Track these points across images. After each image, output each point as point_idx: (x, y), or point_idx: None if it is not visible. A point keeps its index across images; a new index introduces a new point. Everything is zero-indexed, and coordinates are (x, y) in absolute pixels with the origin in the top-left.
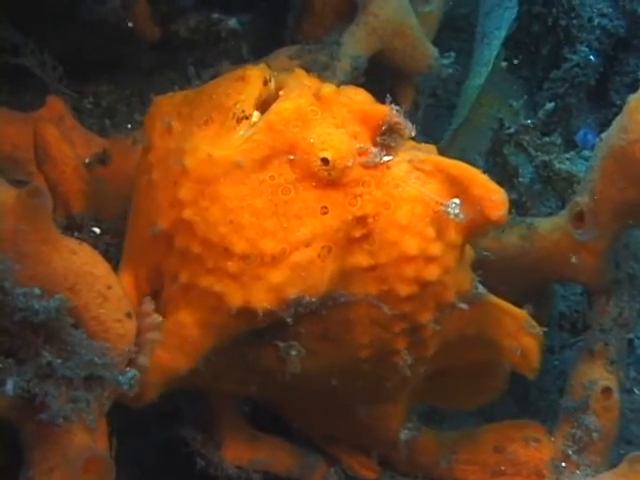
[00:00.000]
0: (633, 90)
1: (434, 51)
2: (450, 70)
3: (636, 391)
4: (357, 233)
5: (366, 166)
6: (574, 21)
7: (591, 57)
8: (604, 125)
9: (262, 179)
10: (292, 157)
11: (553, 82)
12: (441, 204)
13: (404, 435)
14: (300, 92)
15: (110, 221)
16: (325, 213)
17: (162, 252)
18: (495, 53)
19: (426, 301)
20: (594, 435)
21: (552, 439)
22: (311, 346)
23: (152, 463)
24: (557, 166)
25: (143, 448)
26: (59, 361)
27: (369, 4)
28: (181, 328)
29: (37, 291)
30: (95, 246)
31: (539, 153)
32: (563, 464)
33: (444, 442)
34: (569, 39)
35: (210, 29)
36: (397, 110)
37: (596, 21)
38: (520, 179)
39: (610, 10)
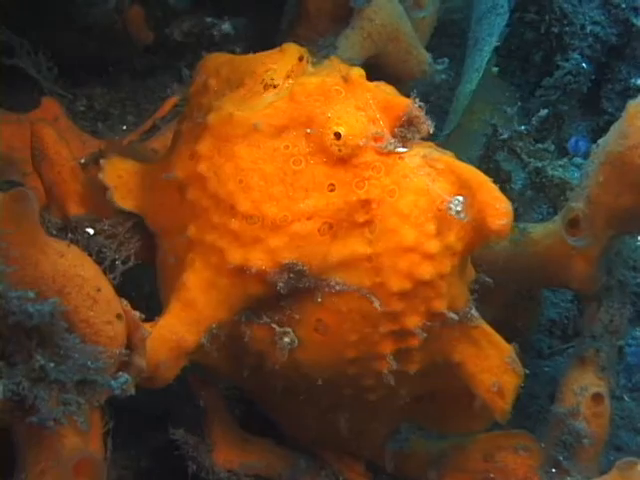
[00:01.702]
0: (624, 98)
1: (428, 57)
2: (443, 76)
3: (626, 398)
4: (360, 218)
5: (379, 152)
6: (567, 28)
7: (583, 64)
8: (596, 132)
9: (277, 146)
10: (309, 130)
11: (545, 89)
12: (445, 200)
13: (391, 445)
14: (329, 71)
15: (105, 222)
16: (332, 190)
17: (176, 203)
18: (487, 59)
19: (416, 303)
20: (584, 441)
21: (542, 447)
22: (303, 336)
23: (145, 466)
24: (550, 173)
25: (136, 451)
26: (52, 365)
27: (364, 8)
28: (186, 292)
29: (31, 294)
30: (88, 247)
31: (532, 159)
32: (553, 470)
33: (433, 451)
34: (561, 46)
35: (204, 33)
36: (419, 106)
37: (588, 29)
38: (512, 185)
39: (602, 18)
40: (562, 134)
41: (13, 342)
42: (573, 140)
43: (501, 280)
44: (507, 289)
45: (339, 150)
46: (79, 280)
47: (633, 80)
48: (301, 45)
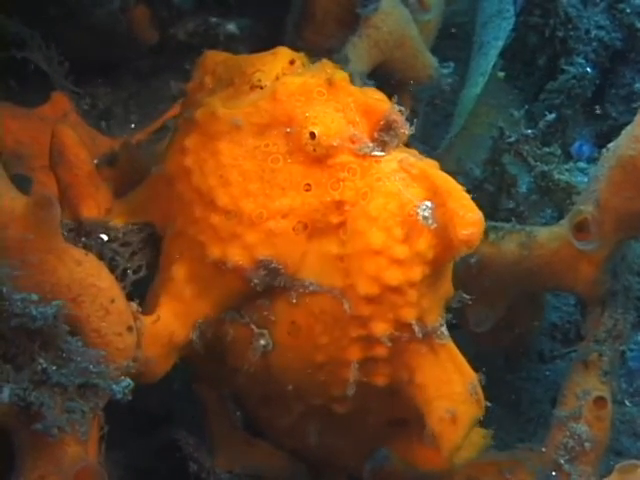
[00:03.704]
0: (629, 102)
1: (434, 61)
2: (449, 80)
3: (627, 403)
4: (335, 219)
5: (356, 154)
6: (571, 33)
7: (587, 69)
8: (599, 137)
9: (258, 144)
10: (289, 129)
11: (549, 93)
12: (415, 205)
13: (370, 463)
14: (314, 73)
15: (120, 230)
16: (308, 190)
17: (166, 196)
18: (492, 63)
19: (384, 310)
20: (586, 445)
21: (531, 470)
22: (276, 338)
23: (146, 466)
24: (556, 177)
25: (137, 451)
26: (54, 368)
27: (371, 16)
28: (174, 285)
29: (34, 297)
30: (101, 253)
31: (538, 163)
32: (554, 473)
33: (415, 471)
34: (566, 50)
35: (208, 33)
36: (399, 110)
37: (593, 33)
38: (518, 188)
39: (607, 22)
40: (566, 138)
41: (15, 345)
42: (577, 144)
43: (507, 282)
44: (512, 291)
45: (313, 149)
46: (94, 290)
47: (637, 85)
48: (300, 50)
